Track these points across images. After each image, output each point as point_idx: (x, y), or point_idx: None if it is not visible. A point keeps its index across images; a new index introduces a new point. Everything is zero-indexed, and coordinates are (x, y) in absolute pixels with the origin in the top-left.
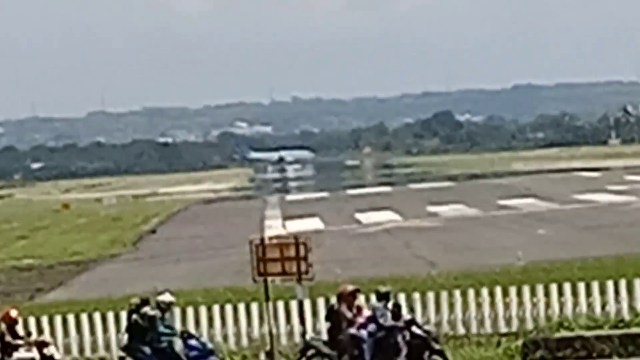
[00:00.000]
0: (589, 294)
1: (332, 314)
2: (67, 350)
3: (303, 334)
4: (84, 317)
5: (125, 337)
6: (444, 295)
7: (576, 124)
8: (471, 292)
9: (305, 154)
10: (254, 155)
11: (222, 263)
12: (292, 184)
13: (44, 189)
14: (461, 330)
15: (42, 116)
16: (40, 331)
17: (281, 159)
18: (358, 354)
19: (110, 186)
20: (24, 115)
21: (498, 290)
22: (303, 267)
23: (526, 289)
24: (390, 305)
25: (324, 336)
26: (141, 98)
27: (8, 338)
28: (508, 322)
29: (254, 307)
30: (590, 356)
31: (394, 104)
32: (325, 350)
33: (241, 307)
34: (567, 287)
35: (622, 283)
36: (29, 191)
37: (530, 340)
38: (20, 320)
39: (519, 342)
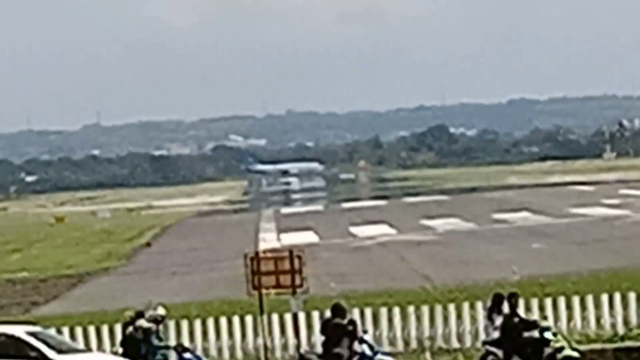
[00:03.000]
0: (583, 307)
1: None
2: None
3: (298, 347)
4: (78, 331)
5: (120, 350)
6: (439, 309)
7: (571, 137)
8: (466, 306)
9: (314, 165)
10: (260, 167)
11: (216, 276)
12: (296, 196)
13: (39, 202)
14: (455, 344)
15: (36, 129)
16: None
17: (286, 172)
18: None
19: (104, 199)
20: (18, 128)
21: None
22: (297, 281)
23: (520, 303)
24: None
25: (319, 349)
26: (136, 111)
27: None
28: None
29: (249, 320)
30: None
31: (389, 117)
32: None
33: (236, 320)
34: (561, 301)
35: (617, 297)
36: (24, 204)
37: None
38: None
39: None
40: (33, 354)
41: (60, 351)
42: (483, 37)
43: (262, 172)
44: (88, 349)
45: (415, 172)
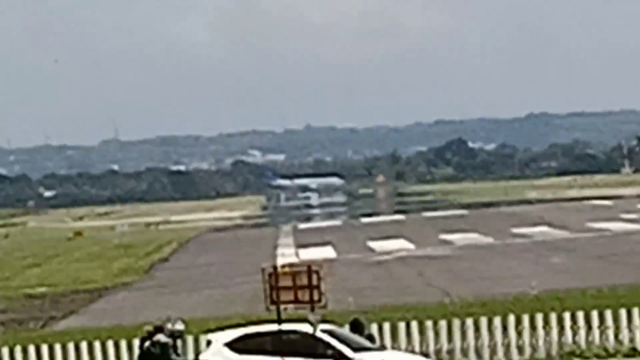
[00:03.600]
0: (602, 322)
1: None
2: None
3: None
4: (96, 345)
5: None
6: (457, 323)
7: (589, 152)
8: (484, 321)
9: (335, 180)
10: (281, 182)
11: (234, 291)
12: (315, 211)
13: (57, 216)
14: (473, 358)
15: (55, 144)
16: (52, 359)
17: (306, 187)
18: None
19: (123, 214)
20: (37, 143)
21: (511, 319)
22: (316, 296)
23: (539, 318)
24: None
25: None
26: (154, 126)
27: None
28: (521, 350)
29: None
30: None
31: (407, 132)
32: None
33: None
34: (580, 315)
35: (636, 312)
36: (42, 219)
37: None
38: None
39: None
40: (329, 352)
41: (355, 349)
42: (501, 51)
43: (283, 187)
44: (382, 346)
45: (434, 186)
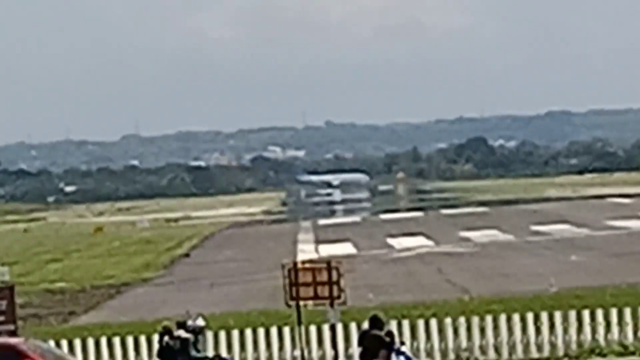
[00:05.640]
0: (621, 320)
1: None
2: None
3: (335, 358)
4: (116, 341)
5: None
6: (476, 320)
7: (609, 150)
8: (503, 318)
9: (359, 177)
10: (308, 178)
11: (254, 287)
12: (337, 207)
13: (78, 212)
14: (492, 356)
15: (76, 139)
16: (72, 354)
17: (329, 183)
18: None
19: (143, 209)
20: (57, 138)
21: (530, 316)
22: (335, 292)
23: (558, 315)
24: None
25: None
26: (175, 122)
27: None
28: (539, 347)
29: (286, 331)
30: None
31: (428, 129)
32: None
33: (273, 331)
34: (599, 313)
35: None
36: (63, 214)
37: None
38: None
39: None
40: None
41: None
42: (522, 49)
43: (311, 183)
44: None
45: (454, 183)
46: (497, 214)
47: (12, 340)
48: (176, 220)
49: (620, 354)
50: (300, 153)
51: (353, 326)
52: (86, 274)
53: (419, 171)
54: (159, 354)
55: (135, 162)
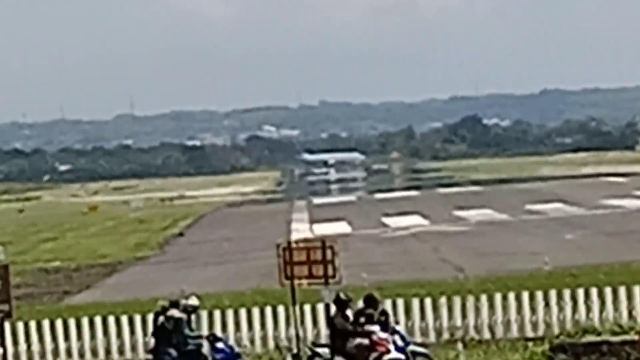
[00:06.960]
0: (615, 299)
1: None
2: (94, 352)
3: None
4: (111, 320)
5: (152, 340)
6: (471, 299)
7: (603, 129)
8: (498, 297)
9: (355, 156)
10: (308, 157)
11: (249, 266)
12: (334, 186)
13: (72, 191)
14: (487, 335)
15: (70, 119)
16: (66, 333)
17: (325, 162)
18: None
19: (137, 189)
20: (51, 117)
21: (525, 295)
22: (330, 271)
23: (553, 294)
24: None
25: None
26: (169, 101)
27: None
28: (534, 326)
29: (281, 310)
30: None
31: (422, 108)
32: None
33: (268, 310)
34: (593, 292)
35: None
36: (57, 193)
37: (556, 345)
38: None
39: (546, 347)
40: None
41: None
42: (516, 27)
43: (311, 163)
44: None
45: (448, 163)
46: (492, 193)
47: None
48: (171, 199)
49: (615, 333)
50: (295, 132)
51: None
52: (80, 253)
53: (413, 150)
54: (154, 334)
55: (129, 142)
